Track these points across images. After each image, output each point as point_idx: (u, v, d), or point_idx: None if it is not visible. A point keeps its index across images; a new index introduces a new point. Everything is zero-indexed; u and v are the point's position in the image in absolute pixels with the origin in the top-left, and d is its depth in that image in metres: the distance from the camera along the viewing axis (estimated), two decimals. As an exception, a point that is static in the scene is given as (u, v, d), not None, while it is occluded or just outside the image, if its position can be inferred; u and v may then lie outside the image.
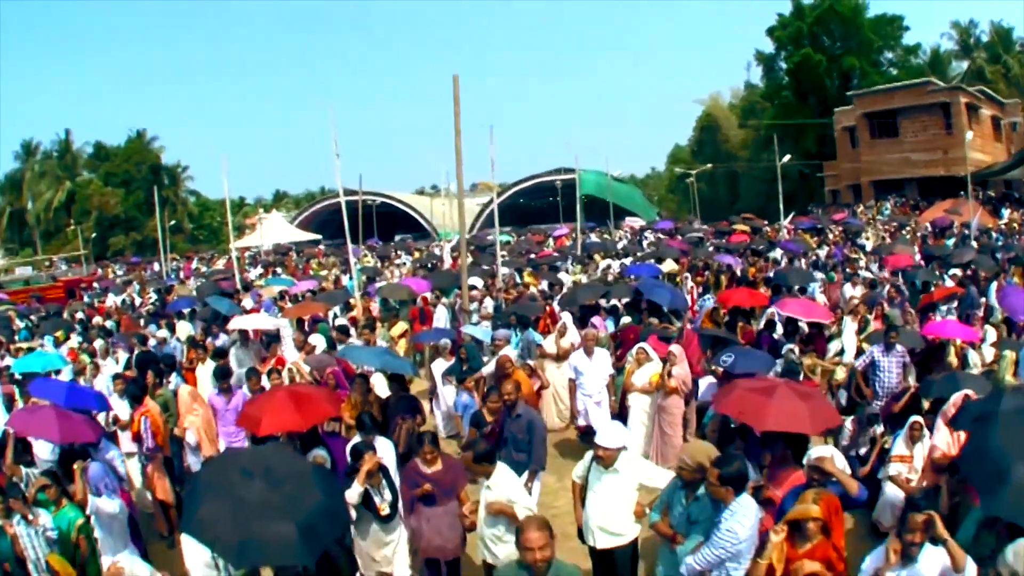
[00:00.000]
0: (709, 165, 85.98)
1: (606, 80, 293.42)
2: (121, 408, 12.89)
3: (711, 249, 34.62)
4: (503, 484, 8.17)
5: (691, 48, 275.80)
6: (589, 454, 8.35)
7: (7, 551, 8.33)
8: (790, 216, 50.87)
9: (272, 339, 18.05)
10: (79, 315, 32.21)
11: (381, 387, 13.21)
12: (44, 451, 11.29)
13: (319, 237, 77.40)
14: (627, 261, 32.96)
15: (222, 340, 18.78)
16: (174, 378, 14.73)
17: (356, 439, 9.19)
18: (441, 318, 20.59)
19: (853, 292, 21.11)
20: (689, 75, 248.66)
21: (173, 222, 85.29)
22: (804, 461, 7.72)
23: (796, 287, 21.42)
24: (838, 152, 74.13)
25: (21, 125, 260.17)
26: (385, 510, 8.48)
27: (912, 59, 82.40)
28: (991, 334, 16.33)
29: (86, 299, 44.64)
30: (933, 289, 20.25)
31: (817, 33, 79.82)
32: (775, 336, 16.41)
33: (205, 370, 15.52)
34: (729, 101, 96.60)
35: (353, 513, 8.27)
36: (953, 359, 14.52)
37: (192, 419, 12.60)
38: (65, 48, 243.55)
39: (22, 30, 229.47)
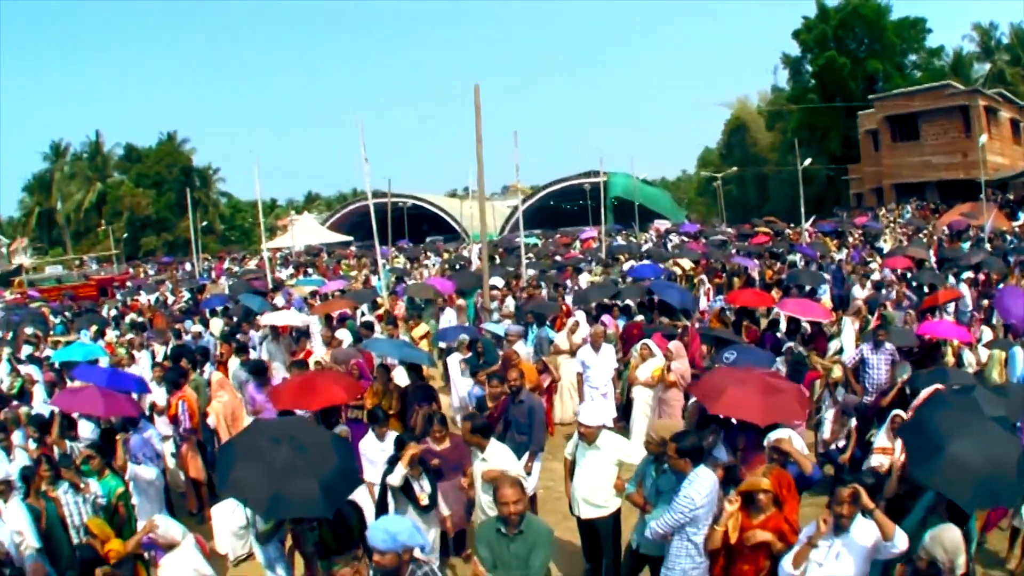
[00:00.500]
0: (734, 169, 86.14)
1: (635, 83, 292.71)
2: (159, 395, 13.85)
3: (733, 251, 35.00)
4: (496, 456, 9.14)
5: (720, 51, 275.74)
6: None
7: (52, 515, 9.25)
8: (811, 219, 51.24)
9: (301, 334, 18.99)
10: (112, 312, 33.31)
11: (401, 377, 14.17)
12: (86, 430, 12.34)
13: (350, 239, 77.84)
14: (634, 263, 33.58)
15: (251, 336, 19.64)
16: (208, 368, 15.67)
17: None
18: (451, 319, 21.24)
19: (862, 294, 21.65)
20: (718, 78, 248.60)
21: (205, 223, 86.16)
22: (764, 443, 8.46)
23: (807, 288, 21.92)
24: (862, 155, 73.99)
25: (49, 126, 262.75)
26: (424, 500, 9.07)
27: (936, 62, 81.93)
28: (987, 334, 16.86)
29: (119, 297, 45.74)
30: (938, 291, 20.53)
31: (841, 36, 79.22)
32: (778, 335, 17.14)
33: (236, 365, 16.39)
34: (757, 104, 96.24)
35: (391, 499, 9.03)
36: (950, 358, 15.20)
37: (215, 405, 13.49)
38: (94, 50, 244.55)
39: (50, 33, 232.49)
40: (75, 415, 12.26)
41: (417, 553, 6.31)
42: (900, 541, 6.48)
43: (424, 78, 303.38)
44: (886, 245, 36.89)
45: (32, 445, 11.65)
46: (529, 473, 10.43)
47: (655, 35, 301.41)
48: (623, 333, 17.65)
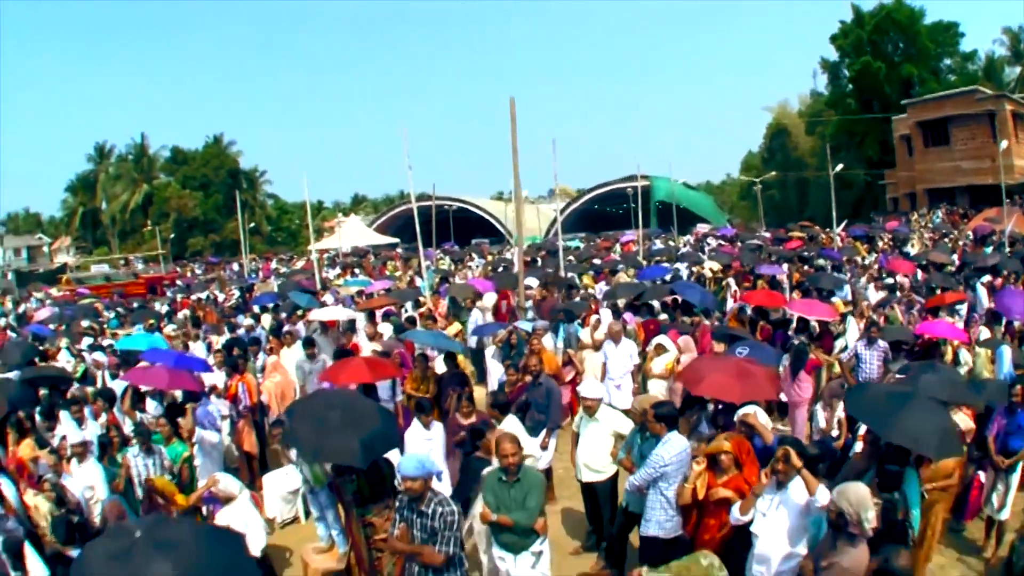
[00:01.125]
0: (773, 173, 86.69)
1: (679, 88, 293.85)
2: (219, 379, 15.35)
3: (766, 255, 36.19)
4: (509, 427, 10.49)
5: (764, 54, 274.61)
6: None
7: (110, 475, 10.92)
8: (843, 224, 51.98)
9: (348, 329, 20.45)
10: (164, 308, 34.95)
11: (439, 366, 15.85)
12: (150, 407, 14.01)
13: (396, 240, 79.17)
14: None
15: (299, 328, 21.16)
16: (261, 356, 17.42)
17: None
18: (478, 319, 22.39)
19: (876, 296, 22.81)
20: (762, 81, 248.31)
21: (252, 225, 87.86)
22: (735, 418, 9.73)
23: (826, 290, 22.70)
24: (897, 160, 74.27)
25: (91, 129, 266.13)
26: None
27: (969, 66, 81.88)
28: (984, 334, 17.64)
29: (168, 295, 47.01)
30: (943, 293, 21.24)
31: (876, 41, 79.47)
32: (788, 333, 18.25)
33: (289, 353, 18.00)
34: (797, 108, 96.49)
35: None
36: (949, 356, 16.23)
37: (268, 384, 15.53)
38: (139, 54, 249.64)
39: (94, 37, 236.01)
40: (143, 390, 14.31)
41: (434, 483, 7.92)
42: (823, 497, 7.52)
43: (468, 82, 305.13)
44: (913, 249, 37.71)
45: (102, 418, 13.37)
46: (545, 448, 11.96)
47: (699, 38, 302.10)
48: (642, 329, 18.74)
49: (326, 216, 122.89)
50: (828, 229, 50.01)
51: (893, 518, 7.96)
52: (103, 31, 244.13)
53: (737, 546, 8.43)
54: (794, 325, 18.72)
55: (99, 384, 17.35)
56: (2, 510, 9.34)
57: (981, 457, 11.11)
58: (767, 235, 55.22)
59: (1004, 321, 18.08)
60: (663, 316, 20.10)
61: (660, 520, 8.92)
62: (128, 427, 13.16)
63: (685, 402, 10.54)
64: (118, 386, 15.50)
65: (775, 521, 7.78)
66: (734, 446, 8.70)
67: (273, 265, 70.45)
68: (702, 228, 71.37)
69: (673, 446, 8.82)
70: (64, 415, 13.09)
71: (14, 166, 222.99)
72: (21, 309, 45.73)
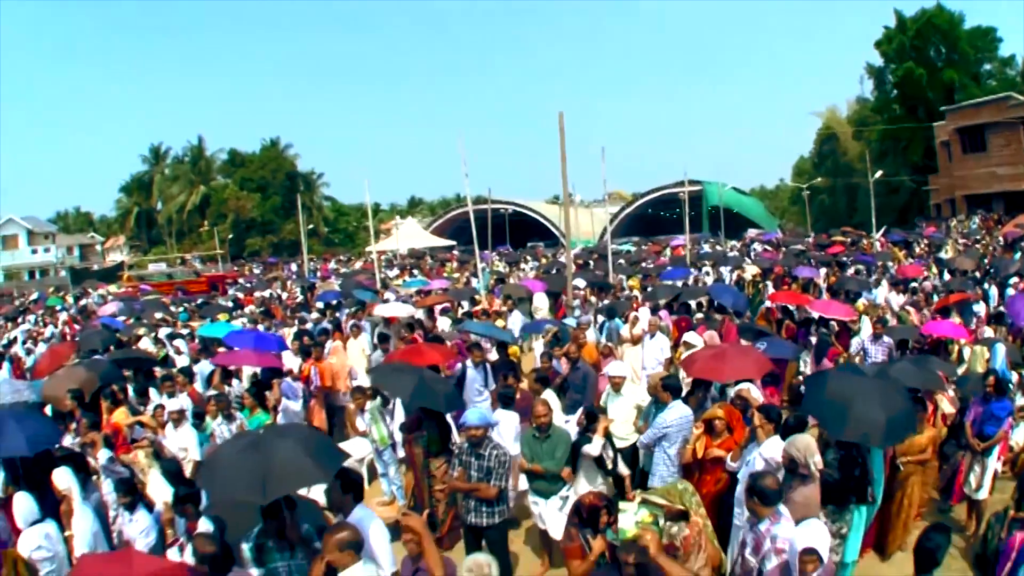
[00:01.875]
0: (819, 179, 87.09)
1: (733, 92, 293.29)
2: (294, 363, 17.52)
3: (807, 259, 37.01)
4: (546, 397, 12.30)
5: (814, 59, 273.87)
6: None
7: (205, 440, 12.85)
8: (883, 230, 52.95)
9: (408, 323, 22.38)
10: (228, 304, 37.09)
11: (491, 355, 17.62)
12: (236, 388, 16.03)
13: (453, 243, 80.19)
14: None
15: (364, 324, 22.82)
16: (328, 343, 19.24)
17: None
18: (517, 321, 23.85)
19: (898, 299, 24.20)
20: (813, 86, 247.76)
21: (311, 226, 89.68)
22: (732, 392, 11.61)
23: (852, 292, 24.16)
24: (939, 166, 74.14)
25: (143, 130, 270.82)
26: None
27: (1008, 71, 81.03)
28: (988, 333, 19.00)
29: (231, 292, 49.02)
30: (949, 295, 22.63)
31: (919, 46, 79.19)
32: (810, 331, 19.96)
33: (355, 343, 20.03)
34: (846, 114, 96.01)
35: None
36: (955, 353, 17.83)
37: (324, 364, 17.40)
38: (195, 57, 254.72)
39: (149, 41, 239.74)
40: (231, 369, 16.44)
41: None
42: (775, 448, 9.29)
43: (522, 87, 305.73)
44: (946, 255, 38.58)
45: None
46: (580, 425, 13.79)
47: (748, 43, 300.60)
48: (675, 326, 20.53)
49: (383, 218, 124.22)
50: (869, 234, 51.03)
51: (850, 472, 9.33)
52: (154, 35, 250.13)
53: (730, 499, 9.91)
54: (815, 324, 20.14)
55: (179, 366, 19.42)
56: (111, 453, 11.23)
57: (967, 444, 12.23)
58: (811, 240, 56.17)
59: (1009, 322, 19.40)
60: (699, 315, 21.56)
61: (663, 475, 10.70)
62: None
63: (693, 384, 12.34)
64: (205, 367, 17.63)
65: (754, 467, 9.31)
66: (726, 413, 10.48)
67: (331, 266, 72.24)
68: (752, 233, 71.89)
69: (675, 412, 10.67)
70: (153, 391, 15.30)
71: (65, 165, 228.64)
72: (82, 303, 48.30)
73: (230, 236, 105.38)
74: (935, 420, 12.42)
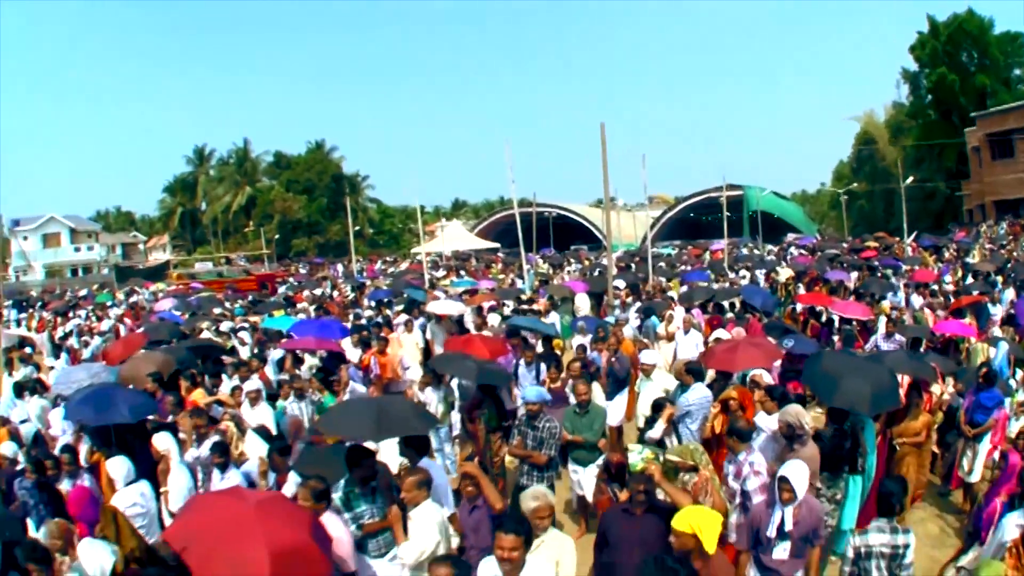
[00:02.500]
0: (855, 184, 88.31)
1: (774, 96, 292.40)
2: (354, 355, 19.21)
3: (839, 264, 38.20)
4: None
5: (855, 62, 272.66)
6: None
7: (279, 417, 14.31)
8: (913, 235, 53.99)
9: (458, 320, 24.13)
10: (282, 301, 38.53)
11: (538, 346, 19.04)
12: (304, 372, 17.78)
13: (497, 245, 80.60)
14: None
15: (420, 321, 24.31)
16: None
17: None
18: (555, 321, 25.02)
19: (919, 301, 25.12)
20: (853, 90, 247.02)
21: (357, 228, 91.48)
22: (748, 377, 13.18)
23: (876, 294, 25.62)
24: (971, 172, 74.56)
25: (185, 132, 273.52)
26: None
27: None
28: (996, 332, 20.12)
29: (281, 291, 50.36)
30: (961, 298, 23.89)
31: (951, 52, 79.67)
32: (833, 329, 21.59)
33: (409, 337, 21.61)
34: (883, 118, 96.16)
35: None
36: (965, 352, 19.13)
37: (380, 356, 19.01)
38: (243, 60, 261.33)
39: (191, 43, 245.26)
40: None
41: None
42: (771, 419, 10.97)
43: (566, 90, 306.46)
44: (974, 259, 39.36)
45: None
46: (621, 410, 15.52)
47: (790, 46, 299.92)
48: (708, 324, 21.93)
49: (427, 220, 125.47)
50: (900, 239, 52.16)
51: (840, 443, 10.63)
52: (196, 37, 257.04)
53: None
54: (838, 323, 21.79)
55: (243, 354, 21.21)
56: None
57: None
58: (845, 245, 56.84)
59: (1018, 323, 20.55)
60: (730, 315, 22.91)
61: (687, 448, 12.36)
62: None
63: (717, 374, 14.05)
64: (273, 355, 19.24)
65: (763, 442, 10.93)
66: (740, 395, 12.00)
67: (377, 266, 73.91)
68: (790, 237, 72.83)
69: (696, 392, 12.24)
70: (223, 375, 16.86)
71: (106, 165, 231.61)
72: (132, 300, 50.31)
73: (276, 236, 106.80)
74: (931, 407, 13.62)
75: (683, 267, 45.23)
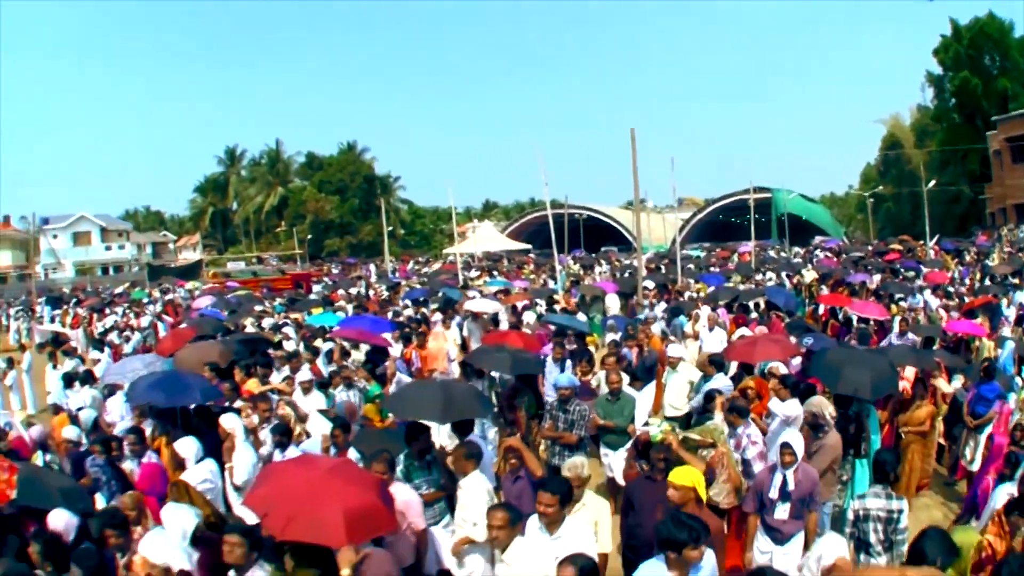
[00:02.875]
0: (880, 187, 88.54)
1: (802, 100, 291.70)
2: (396, 349, 20.18)
3: (863, 266, 38.99)
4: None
5: (881, 65, 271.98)
6: None
7: (330, 404, 15.14)
8: (935, 238, 54.80)
9: (493, 319, 25.32)
10: (319, 299, 39.34)
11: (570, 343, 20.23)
12: (351, 363, 18.88)
13: (528, 247, 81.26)
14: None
15: (456, 319, 25.48)
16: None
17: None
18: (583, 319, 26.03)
19: (937, 302, 26.07)
20: (881, 93, 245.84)
21: (390, 229, 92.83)
22: (767, 369, 14.23)
23: (895, 296, 26.74)
24: (993, 175, 74.84)
25: (215, 132, 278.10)
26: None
27: None
28: (1005, 332, 21.18)
29: (316, 290, 51.22)
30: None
31: (973, 55, 79.83)
32: (851, 328, 22.54)
33: (448, 332, 22.79)
34: (909, 121, 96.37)
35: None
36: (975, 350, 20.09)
37: (428, 352, 20.30)
38: (275, 61, 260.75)
39: (227, 47, 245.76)
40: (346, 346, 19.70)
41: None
42: (794, 407, 11.97)
43: (596, 92, 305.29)
44: (993, 262, 40.20)
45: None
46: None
47: (815, 49, 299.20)
48: (732, 323, 23.06)
49: (458, 221, 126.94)
50: (923, 243, 52.94)
51: (845, 426, 11.59)
52: (228, 38, 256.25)
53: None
54: (856, 323, 22.70)
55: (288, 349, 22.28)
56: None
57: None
58: (870, 248, 57.77)
59: None
60: (755, 315, 24.08)
61: (709, 433, 13.51)
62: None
63: (739, 366, 15.26)
64: (324, 347, 20.45)
65: (775, 425, 11.94)
66: (757, 384, 13.19)
67: (410, 267, 74.69)
68: (818, 240, 73.54)
69: (718, 382, 13.32)
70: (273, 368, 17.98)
71: (134, 165, 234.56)
72: (167, 297, 51.22)
73: (309, 237, 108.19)
74: (935, 400, 14.64)
75: (712, 268, 46.09)
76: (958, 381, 15.47)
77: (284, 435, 11.89)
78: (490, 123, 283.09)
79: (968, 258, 44.84)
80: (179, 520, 8.02)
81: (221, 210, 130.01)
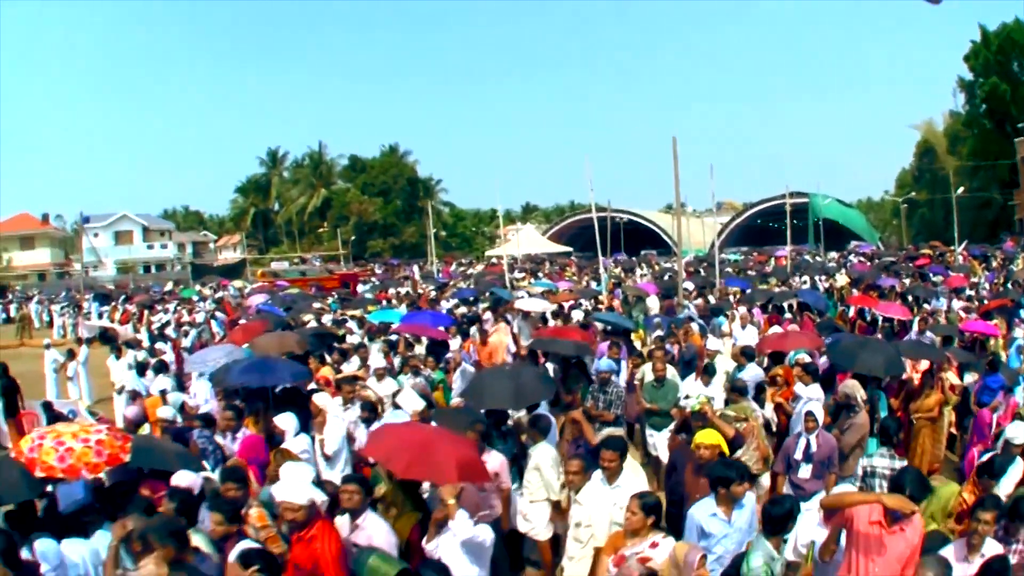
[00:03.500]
0: (914, 193, 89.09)
1: (839, 104, 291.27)
2: (454, 343, 21.81)
3: (897, 272, 40.47)
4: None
5: (918, 68, 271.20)
6: None
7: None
8: (963, 243, 56.13)
9: (543, 317, 27.06)
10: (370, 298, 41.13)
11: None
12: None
13: (570, 249, 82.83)
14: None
15: (508, 317, 26.77)
16: (473, 330, 23.87)
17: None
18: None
19: (959, 305, 27.79)
20: (916, 96, 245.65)
21: (435, 231, 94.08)
22: (795, 358, 15.88)
23: (920, 298, 28.60)
24: (1021, 182, 75.48)
25: (258, 134, 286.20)
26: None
27: None
28: (1017, 332, 22.20)
29: (366, 288, 52.98)
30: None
31: (1003, 62, 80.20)
32: (877, 328, 24.17)
33: (504, 328, 24.15)
34: (942, 127, 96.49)
35: None
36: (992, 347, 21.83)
37: (489, 345, 21.99)
38: (315, 65, 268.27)
39: (270, 49, 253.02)
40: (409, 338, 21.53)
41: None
42: (817, 390, 13.93)
43: (636, 98, 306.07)
44: (1017, 267, 41.52)
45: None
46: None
47: (856, 53, 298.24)
48: (766, 322, 24.81)
49: (498, 224, 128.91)
50: (952, 248, 54.29)
51: (885, 422, 12.44)
52: (270, 43, 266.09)
53: (785, 433, 13.94)
54: (881, 322, 24.37)
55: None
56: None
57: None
58: (903, 253, 59.25)
59: None
60: (788, 315, 25.73)
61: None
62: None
63: (770, 356, 17.12)
64: (391, 339, 22.07)
65: (800, 407, 13.34)
66: (785, 372, 14.93)
67: (452, 268, 76.16)
68: (852, 245, 74.84)
69: (750, 371, 15.19)
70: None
71: (175, 165, 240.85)
72: (218, 295, 53.00)
73: (352, 238, 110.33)
74: (943, 390, 16.04)
75: (750, 272, 47.64)
76: (972, 376, 16.79)
77: (371, 411, 13.39)
78: (530, 126, 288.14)
79: (994, 263, 46.20)
80: (301, 470, 8.97)
81: (263, 210, 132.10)
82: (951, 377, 16.56)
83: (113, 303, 51.72)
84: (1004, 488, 9.66)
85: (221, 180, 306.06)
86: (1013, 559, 7.68)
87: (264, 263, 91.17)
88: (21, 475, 8.92)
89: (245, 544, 7.62)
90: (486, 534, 8.39)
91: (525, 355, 18.84)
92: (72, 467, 9.10)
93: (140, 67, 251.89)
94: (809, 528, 8.33)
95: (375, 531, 8.33)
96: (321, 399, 13.62)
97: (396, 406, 13.91)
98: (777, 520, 7.47)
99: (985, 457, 10.83)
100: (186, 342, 29.23)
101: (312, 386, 15.88)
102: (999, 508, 7.86)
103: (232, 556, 7.23)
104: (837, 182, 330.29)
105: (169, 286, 68.59)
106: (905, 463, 10.76)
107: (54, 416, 16.28)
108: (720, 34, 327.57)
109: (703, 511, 8.56)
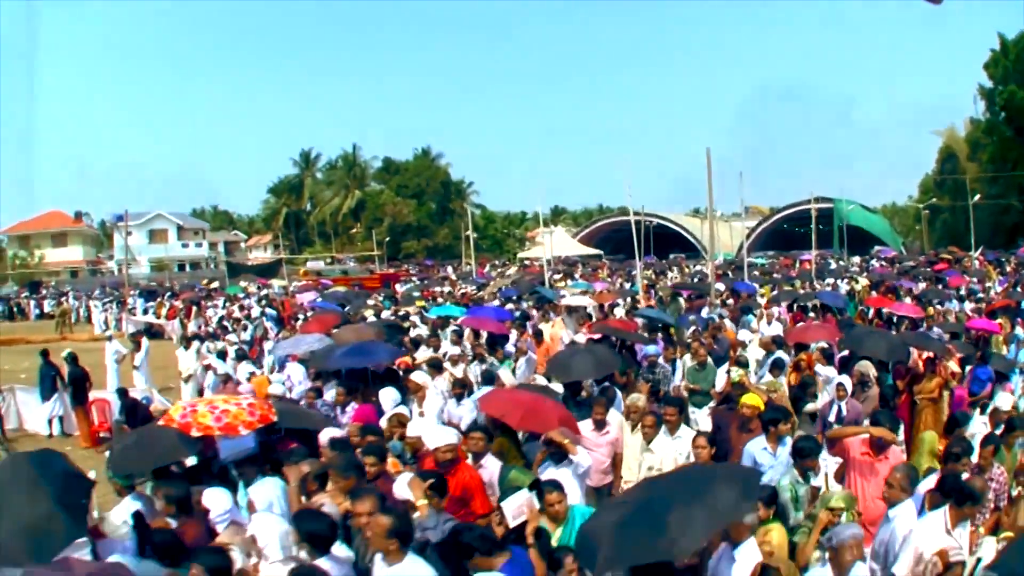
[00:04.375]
0: (935, 199, 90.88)
1: (868, 104, 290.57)
2: (512, 336, 23.63)
3: (916, 276, 42.39)
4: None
5: (942, 73, 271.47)
6: None
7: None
8: (979, 249, 58.06)
9: (584, 315, 29.28)
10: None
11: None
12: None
13: (600, 252, 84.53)
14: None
15: (550, 313, 28.86)
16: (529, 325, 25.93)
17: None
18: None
19: (971, 306, 29.64)
20: (940, 102, 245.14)
21: (467, 233, 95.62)
22: (815, 348, 18.45)
23: (935, 300, 30.67)
24: None
25: (291, 136, 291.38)
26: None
27: None
28: (1019, 331, 24.06)
29: (408, 287, 54.39)
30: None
31: (1021, 70, 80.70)
32: (892, 326, 26.17)
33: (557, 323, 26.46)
34: (964, 133, 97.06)
35: None
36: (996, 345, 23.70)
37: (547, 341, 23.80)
38: (349, 67, 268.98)
39: (305, 53, 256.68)
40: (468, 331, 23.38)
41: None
42: (832, 371, 16.63)
43: (663, 101, 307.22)
44: None
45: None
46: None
47: (880, 56, 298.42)
48: (791, 319, 27.15)
49: (528, 227, 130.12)
50: (970, 253, 56.11)
51: (884, 390, 15.42)
52: (303, 45, 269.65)
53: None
54: (896, 321, 26.10)
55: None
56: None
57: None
58: (923, 258, 60.92)
59: None
60: (811, 314, 27.90)
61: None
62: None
63: (795, 346, 19.54)
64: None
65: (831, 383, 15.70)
66: (807, 357, 17.39)
67: (486, 269, 78.40)
68: (875, 250, 76.30)
69: (777, 355, 17.66)
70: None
71: (205, 165, 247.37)
72: (263, 293, 54.87)
73: (387, 239, 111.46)
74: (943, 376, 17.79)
75: (776, 275, 49.53)
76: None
77: (463, 388, 15.56)
78: (560, 131, 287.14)
79: (1008, 268, 48.23)
80: (441, 427, 11.02)
81: (295, 211, 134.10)
82: (952, 366, 18.52)
83: (159, 299, 54.40)
84: (972, 429, 12.72)
85: (250, 180, 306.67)
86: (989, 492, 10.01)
87: (297, 263, 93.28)
88: (179, 437, 10.26)
89: (405, 476, 9.13)
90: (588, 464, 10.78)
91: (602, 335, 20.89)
92: (229, 424, 10.55)
93: (172, 67, 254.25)
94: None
95: (494, 468, 10.48)
96: (420, 377, 15.77)
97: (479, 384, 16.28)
98: (801, 452, 9.97)
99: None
100: (245, 335, 31.36)
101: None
102: (963, 448, 10.42)
103: (401, 482, 9.10)
104: (864, 187, 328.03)
105: (214, 284, 70.75)
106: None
107: (130, 403, 18.50)
108: (744, 38, 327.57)
109: (756, 445, 11.13)
